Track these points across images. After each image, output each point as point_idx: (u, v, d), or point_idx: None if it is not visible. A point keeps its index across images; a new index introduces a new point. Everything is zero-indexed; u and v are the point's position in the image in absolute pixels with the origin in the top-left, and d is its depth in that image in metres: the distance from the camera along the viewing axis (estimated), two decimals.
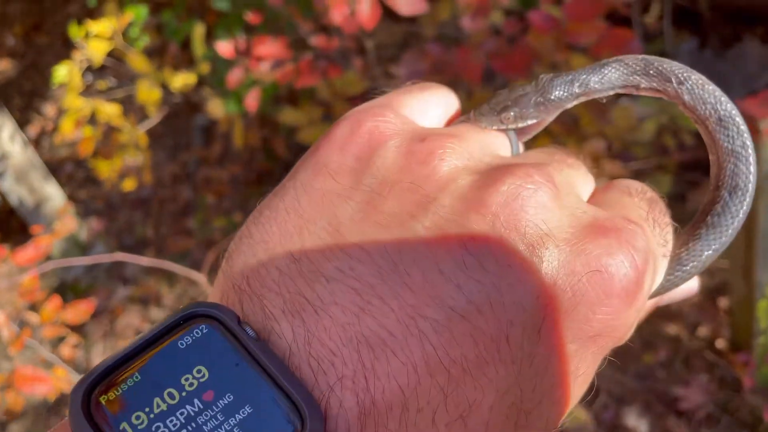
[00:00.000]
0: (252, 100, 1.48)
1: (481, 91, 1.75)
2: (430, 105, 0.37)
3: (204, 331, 0.27)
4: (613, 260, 0.29)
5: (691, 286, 0.37)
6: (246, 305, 0.29)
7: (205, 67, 2.12)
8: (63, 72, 1.92)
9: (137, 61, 2.14)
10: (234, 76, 1.70)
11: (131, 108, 2.64)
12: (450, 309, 0.27)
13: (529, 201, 0.30)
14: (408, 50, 1.23)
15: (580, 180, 0.35)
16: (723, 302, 2.00)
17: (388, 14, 1.60)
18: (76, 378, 1.35)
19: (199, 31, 2.12)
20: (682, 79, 0.35)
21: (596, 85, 0.37)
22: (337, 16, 1.25)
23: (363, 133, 0.33)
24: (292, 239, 0.30)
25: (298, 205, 0.31)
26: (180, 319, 0.28)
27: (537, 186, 0.30)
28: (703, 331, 2.00)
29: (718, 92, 0.35)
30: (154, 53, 3.37)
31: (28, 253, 1.45)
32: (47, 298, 1.50)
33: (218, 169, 3.05)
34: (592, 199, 0.35)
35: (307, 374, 0.27)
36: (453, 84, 1.65)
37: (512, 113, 0.37)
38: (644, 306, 0.32)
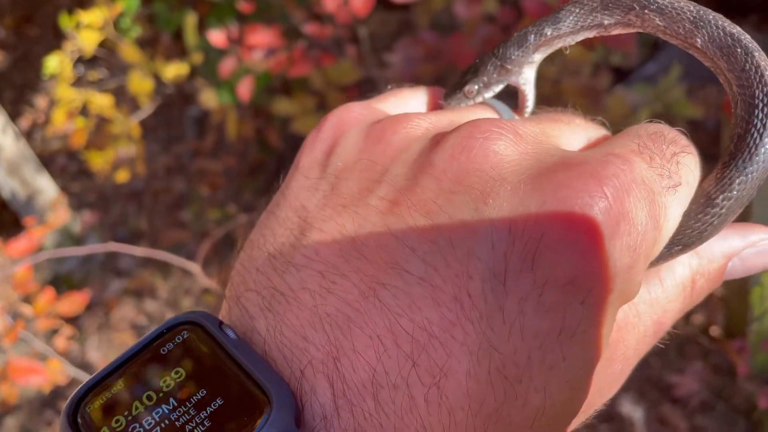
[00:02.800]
0: (245, 89, 1.47)
1: None
2: (409, 99, 0.37)
3: (185, 337, 0.29)
4: (573, 191, 0.26)
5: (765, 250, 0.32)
6: (233, 310, 0.31)
7: (197, 57, 2.10)
8: (54, 63, 1.90)
9: (129, 52, 2.12)
10: (226, 66, 1.69)
11: (123, 99, 2.62)
12: (406, 272, 0.27)
13: (477, 151, 0.28)
14: (402, 38, 1.22)
15: (564, 132, 0.32)
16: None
17: (382, 2, 1.59)
18: (70, 370, 1.35)
19: (191, 20, 2.11)
20: (645, 3, 0.31)
21: (551, 32, 0.35)
22: (330, 3, 1.24)
23: (328, 127, 0.34)
24: (268, 240, 0.32)
25: (276, 208, 0.33)
26: (164, 328, 0.29)
27: (487, 135, 0.28)
28: (697, 318, 2.01)
29: (695, 6, 0.31)
30: (146, 44, 3.35)
31: (21, 244, 1.44)
32: (42, 289, 1.49)
33: (212, 160, 3.03)
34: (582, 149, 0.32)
35: (281, 364, 0.28)
36: (447, 72, 1.64)
37: (476, 86, 0.36)
38: (646, 244, 0.27)
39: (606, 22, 0.33)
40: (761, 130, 0.30)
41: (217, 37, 1.73)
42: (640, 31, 0.33)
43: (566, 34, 0.35)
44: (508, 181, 0.27)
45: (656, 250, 0.29)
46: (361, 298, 0.27)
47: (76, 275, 2.90)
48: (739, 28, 0.31)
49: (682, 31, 0.31)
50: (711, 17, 0.31)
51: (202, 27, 2.69)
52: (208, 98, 2.07)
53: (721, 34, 0.31)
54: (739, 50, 0.30)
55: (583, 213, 0.26)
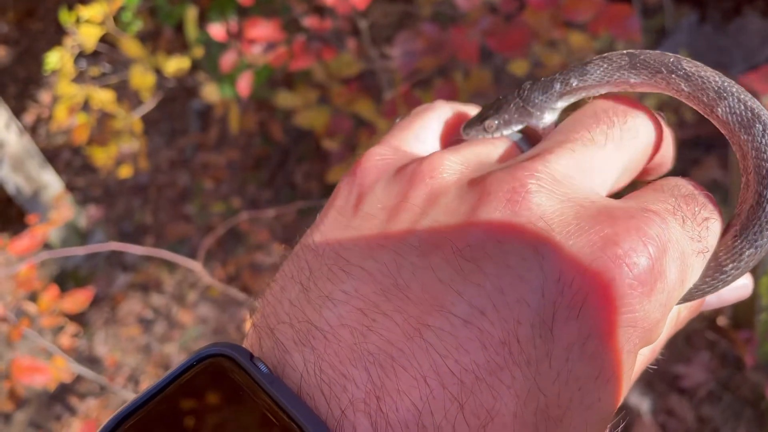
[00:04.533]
0: (244, 85, 1.46)
1: (479, 70, 1.73)
2: (422, 130, 0.38)
3: (215, 370, 0.28)
4: (620, 248, 0.28)
5: (745, 284, 0.35)
6: (263, 341, 0.30)
7: (198, 51, 2.09)
8: (54, 59, 1.89)
9: (130, 46, 2.12)
10: (227, 60, 1.68)
11: (125, 94, 2.62)
12: (452, 315, 0.27)
13: (522, 204, 0.29)
14: (403, 30, 1.21)
15: (598, 162, 0.32)
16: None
17: None
18: (75, 367, 1.35)
19: (191, 14, 2.09)
20: (673, 68, 0.33)
21: (577, 83, 0.35)
22: None
23: (362, 172, 0.35)
24: (303, 272, 0.31)
25: (311, 242, 0.33)
26: (194, 360, 0.28)
27: (529, 188, 0.30)
28: None
29: (719, 76, 0.32)
30: (148, 37, 3.33)
31: (24, 242, 1.44)
32: (46, 287, 1.49)
33: (215, 154, 3.03)
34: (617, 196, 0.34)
35: (320, 401, 0.27)
36: (449, 64, 1.63)
37: (495, 121, 0.36)
38: (672, 301, 0.29)
39: (632, 80, 0.34)
40: (761, 198, 0.32)
41: (217, 30, 1.72)
42: (665, 93, 0.34)
43: (591, 86, 0.35)
44: (556, 231, 0.28)
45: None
46: (404, 338, 0.27)
47: (82, 270, 2.91)
48: (759, 104, 0.32)
49: (705, 100, 0.32)
50: (734, 89, 0.32)
51: (203, 20, 2.68)
52: (210, 92, 2.06)
53: (742, 107, 0.32)
54: (758, 125, 0.32)
55: (630, 271, 0.27)
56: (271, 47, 1.45)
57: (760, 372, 1.73)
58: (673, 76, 0.33)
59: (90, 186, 3.23)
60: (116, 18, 2.71)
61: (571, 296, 0.27)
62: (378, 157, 0.35)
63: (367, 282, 0.29)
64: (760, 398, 1.75)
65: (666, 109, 2.13)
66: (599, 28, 1.12)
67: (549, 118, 0.37)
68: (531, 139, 0.37)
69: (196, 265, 1.07)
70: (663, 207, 0.30)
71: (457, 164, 0.33)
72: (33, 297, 1.54)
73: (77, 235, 3.00)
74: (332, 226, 0.33)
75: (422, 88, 1.51)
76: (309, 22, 1.38)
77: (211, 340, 2.53)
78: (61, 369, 1.31)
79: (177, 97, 3.26)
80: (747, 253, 0.32)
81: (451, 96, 1.28)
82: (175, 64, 2.03)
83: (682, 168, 2.26)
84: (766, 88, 1.37)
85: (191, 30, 2.11)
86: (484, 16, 1.19)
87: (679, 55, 0.33)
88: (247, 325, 0.34)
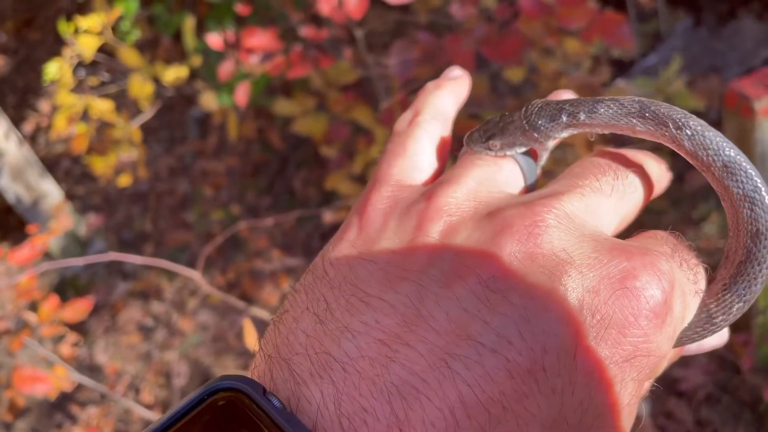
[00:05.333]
0: (242, 95, 1.47)
1: (475, 77, 1.74)
2: (418, 156, 0.38)
3: (226, 404, 0.27)
4: (639, 281, 0.29)
5: (722, 335, 0.36)
6: (276, 374, 0.29)
7: (196, 60, 2.10)
8: (54, 69, 1.91)
9: (129, 56, 2.13)
10: (225, 69, 1.69)
11: (124, 102, 2.63)
12: (479, 344, 0.27)
13: (543, 237, 0.30)
14: (398, 39, 1.22)
15: (604, 209, 0.34)
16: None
17: (380, 1, 1.59)
18: (75, 376, 1.36)
19: (189, 23, 2.11)
20: (680, 124, 0.34)
21: (585, 119, 0.36)
22: (325, 6, 1.24)
23: (369, 214, 0.35)
24: (318, 303, 0.31)
25: (324, 274, 0.33)
26: (204, 394, 0.28)
27: (548, 223, 0.31)
28: None
29: (720, 137, 0.34)
30: (147, 46, 3.35)
31: (24, 252, 1.45)
32: (47, 296, 1.50)
33: (214, 161, 3.04)
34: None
35: None
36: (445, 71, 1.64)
37: (498, 141, 0.37)
38: (675, 336, 0.31)
39: (638, 128, 0.36)
40: (762, 263, 0.34)
41: (215, 40, 1.73)
42: (665, 144, 0.36)
43: (598, 125, 0.36)
44: (577, 263, 0.29)
45: None
46: (429, 368, 0.27)
47: (82, 278, 2.92)
48: (756, 170, 0.34)
49: (704, 158, 0.34)
50: (731, 151, 0.34)
51: (201, 29, 2.69)
52: (209, 100, 2.08)
53: (738, 168, 0.34)
54: (750, 185, 0.34)
55: (647, 302, 0.29)
56: (269, 56, 1.46)
57: (758, 374, 1.73)
58: (677, 132, 0.34)
59: (90, 194, 3.24)
60: (114, 27, 2.72)
61: (594, 326, 0.28)
62: (383, 203, 0.35)
63: (387, 313, 0.29)
64: (758, 400, 1.76)
65: None
66: (593, 35, 1.13)
67: (550, 144, 0.38)
68: (531, 156, 0.39)
69: (195, 274, 1.08)
70: (663, 249, 0.32)
71: (469, 200, 0.34)
72: (33, 306, 1.55)
73: (77, 243, 3.01)
74: (346, 258, 0.33)
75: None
76: (306, 31, 1.39)
77: (211, 348, 2.53)
78: (62, 378, 1.32)
79: (175, 104, 3.28)
80: (736, 307, 0.34)
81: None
82: (173, 73, 2.04)
83: (678, 171, 2.27)
84: (759, 93, 1.38)
85: (189, 39, 2.12)
86: (479, 24, 1.20)
87: (687, 112, 0.35)
88: (256, 360, 0.33)
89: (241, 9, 1.74)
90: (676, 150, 0.35)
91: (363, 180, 2.06)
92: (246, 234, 2.54)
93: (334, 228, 2.63)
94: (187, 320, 2.54)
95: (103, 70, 2.81)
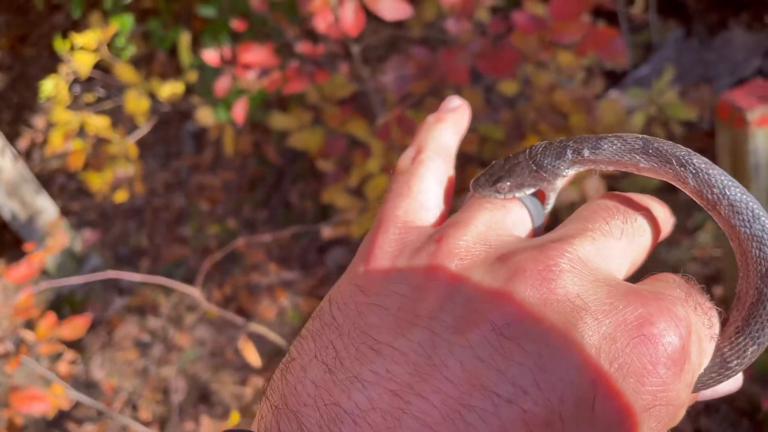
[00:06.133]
0: (239, 111, 1.47)
1: (469, 90, 1.75)
2: (423, 195, 0.38)
3: None
4: (656, 328, 0.29)
5: (737, 380, 0.36)
6: (283, 426, 0.29)
7: (192, 76, 2.11)
8: (49, 86, 1.91)
9: (124, 72, 2.13)
10: (221, 85, 1.70)
11: (120, 118, 2.63)
12: (495, 395, 0.26)
13: (557, 282, 0.30)
14: (393, 55, 1.23)
15: (615, 252, 0.34)
16: (718, 291, 2.01)
17: (374, 15, 1.60)
18: (73, 394, 1.35)
19: (185, 39, 2.12)
20: (683, 161, 0.34)
21: (589, 155, 0.36)
22: (321, 23, 1.25)
23: (376, 259, 0.34)
24: (326, 351, 0.30)
25: (332, 320, 0.32)
26: None
27: (562, 268, 0.30)
28: None
29: (725, 176, 0.34)
30: (142, 61, 3.36)
31: (21, 270, 1.44)
32: (44, 314, 1.50)
33: (211, 175, 3.04)
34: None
35: None
36: (441, 84, 1.65)
37: (507, 183, 0.37)
38: (692, 383, 0.31)
39: (642, 165, 0.35)
40: (764, 298, 0.33)
41: (210, 56, 1.74)
42: (670, 182, 0.36)
43: (602, 161, 0.36)
44: (591, 310, 0.29)
45: None
46: (443, 420, 0.26)
47: (78, 294, 2.91)
48: (759, 204, 0.34)
49: (709, 196, 0.34)
50: (737, 191, 0.34)
51: (196, 44, 2.70)
52: (205, 115, 2.08)
53: (745, 207, 0.33)
54: (757, 225, 0.33)
55: (665, 350, 0.28)
56: (265, 72, 1.47)
57: (756, 383, 1.74)
58: (681, 169, 0.34)
59: (85, 210, 3.23)
60: (110, 43, 2.73)
61: (612, 374, 0.28)
62: (391, 245, 0.35)
63: (399, 362, 0.28)
64: (756, 409, 1.76)
65: (655, 123, 2.16)
66: (586, 49, 1.14)
67: (559, 183, 0.38)
68: (539, 199, 0.38)
69: (194, 291, 1.08)
70: (677, 294, 0.31)
71: (479, 243, 0.33)
72: (30, 324, 1.54)
73: (73, 259, 3.00)
74: (354, 303, 0.32)
75: (415, 108, 1.54)
76: (302, 48, 1.40)
77: (209, 363, 2.52)
78: (60, 396, 1.31)
79: (171, 119, 3.28)
80: (750, 350, 0.33)
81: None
82: (169, 89, 2.05)
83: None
84: (751, 104, 1.40)
85: (185, 55, 2.13)
86: (474, 39, 1.21)
87: (690, 150, 0.35)
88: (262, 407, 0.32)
89: (237, 25, 1.75)
90: (680, 187, 0.35)
91: (359, 193, 2.06)
92: (243, 248, 2.54)
93: (331, 242, 2.63)
94: (184, 335, 2.53)
95: (98, 86, 2.82)
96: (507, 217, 0.36)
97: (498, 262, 0.31)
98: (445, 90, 1.40)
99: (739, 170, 1.48)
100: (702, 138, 2.35)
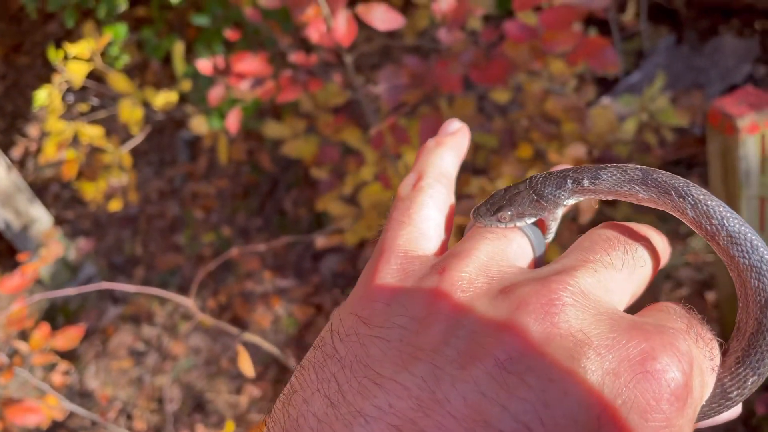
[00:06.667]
0: (233, 121, 1.48)
1: (462, 98, 1.76)
2: (424, 223, 0.38)
3: None
4: (659, 364, 0.29)
5: (736, 409, 0.36)
6: None
7: (186, 85, 2.11)
8: (43, 95, 1.91)
9: (118, 81, 2.13)
10: (215, 94, 1.70)
11: (114, 127, 2.63)
12: (498, 431, 0.26)
13: (560, 317, 0.30)
14: (387, 63, 1.24)
15: (616, 283, 0.34)
16: (711, 296, 2.02)
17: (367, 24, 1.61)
18: (67, 405, 1.35)
19: (178, 48, 2.12)
20: (682, 192, 0.35)
21: (588, 185, 0.37)
22: (314, 33, 1.25)
23: (376, 291, 0.34)
24: (329, 384, 0.30)
25: (334, 351, 0.32)
26: None
27: (564, 302, 0.30)
28: None
29: (723, 207, 0.34)
30: (136, 70, 3.36)
31: (14, 281, 1.44)
32: (37, 324, 1.49)
33: (205, 183, 3.04)
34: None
35: None
36: (434, 92, 1.66)
37: (509, 212, 0.37)
38: (695, 417, 0.31)
39: (641, 195, 0.36)
40: (763, 328, 0.33)
41: (204, 65, 1.75)
42: (668, 212, 0.36)
43: (601, 191, 0.37)
44: (594, 345, 0.29)
45: None
46: None
47: (73, 303, 2.90)
48: (758, 236, 0.34)
49: (708, 227, 0.34)
50: (736, 221, 0.34)
51: (190, 52, 2.71)
52: (199, 124, 2.08)
53: (743, 238, 0.34)
54: (756, 256, 0.34)
55: (668, 386, 0.28)
56: (259, 82, 1.48)
57: None
58: (680, 200, 0.35)
59: (79, 219, 3.23)
60: (103, 53, 2.73)
61: (616, 410, 0.28)
62: (393, 276, 0.34)
63: (402, 396, 0.28)
64: (750, 414, 1.77)
65: (646, 130, 2.17)
66: (577, 59, 1.15)
67: (559, 212, 0.39)
68: (539, 228, 0.39)
69: (187, 301, 1.08)
70: (678, 326, 0.31)
71: (482, 275, 0.33)
72: (24, 335, 1.54)
73: (67, 268, 2.99)
74: (357, 335, 0.31)
75: (408, 116, 1.54)
76: (295, 57, 1.40)
77: (204, 371, 2.51)
78: (54, 408, 1.31)
79: (165, 127, 3.28)
80: (751, 380, 0.34)
81: (437, 124, 1.30)
82: (163, 98, 2.05)
83: None
84: (741, 111, 1.41)
85: (179, 64, 2.14)
86: (466, 48, 1.22)
87: (688, 181, 0.35)
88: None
89: (230, 34, 1.76)
90: (679, 217, 0.35)
91: (353, 201, 2.07)
92: (237, 257, 2.54)
93: (326, 249, 2.63)
94: (179, 344, 2.52)
95: (92, 95, 2.82)
96: (509, 247, 0.36)
97: (501, 294, 0.31)
98: (438, 99, 1.41)
99: (730, 176, 1.49)
100: (693, 144, 2.37)
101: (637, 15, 2.68)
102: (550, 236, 0.40)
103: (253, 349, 2.55)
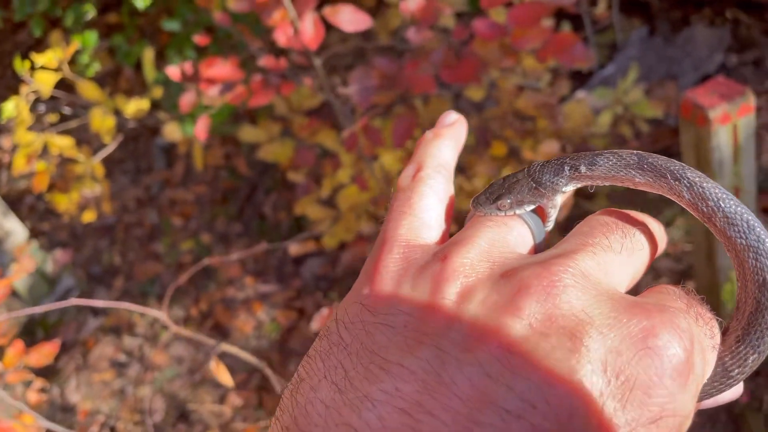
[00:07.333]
0: (201, 129, 1.46)
1: (437, 97, 1.75)
2: (426, 213, 0.38)
3: None
4: (660, 340, 0.29)
5: (737, 388, 0.36)
6: None
7: (157, 92, 2.08)
8: (10, 107, 1.87)
9: (88, 89, 2.10)
10: (186, 100, 1.68)
11: (86, 137, 2.59)
12: (504, 410, 0.27)
13: (562, 297, 0.30)
14: (358, 65, 1.22)
15: (616, 266, 0.34)
16: (689, 286, 2.03)
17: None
18: (44, 423, 1.32)
19: (148, 55, 2.09)
20: (678, 176, 0.35)
21: (585, 171, 0.37)
22: (281, 36, 1.24)
23: (379, 282, 0.34)
24: (335, 371, 0.31)
25: (340, 340, 0.32)
26: None
27: (566, 283, 0.31)
28: None
29: (718, 189, 0.35)
30: (109, 77, 3.31)
31: None
32: (14, 338, 1.46)
33: (182, 190, 3.01)
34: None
35: None
36: (406, 94, 1.65)
37: (508, 200, 0.38)
38: (697, 393, 0.31)
39: (637, 180, 0.37)
40: (762, 307, 0.34)
41: (174, 72, 1.72)
42: (665, 195, 0.37)
43: (598, 177, 0.38)
44: (596, 324, 0.29)
45: None
46: None
47: (51, 316, 2.85)
48: (758, 220, 0.34)
49: (704, 209, 0.35)
50: (732, 202, 0.35)
51: (162, 58, 2.67)
52: (172, 131, 2.06)
53: (739, 218, 0.35)
54: (753, 235, 0.34)
55: (670, 361, 0.29)
56: (229, 87, 1.46)
57: None
58: (676, 183, 0.35)
59: (55, 230, 3.18)
60: (73, 61, 2.69)
61: (618, 387, 0.28)
62: (395, 264, 0.35)
63: (408, 380, 0.28)
64: (734, 403, 1.78)
65: (621, 122, 2.18)
66: (547, 56, 1.15)
67: (558, 199, 0.39)
68: (539, 216, 0.39)
69: (160, 314, 1.06)
70: (679, 305, 0.32)
71: (483, 261, 0.34)
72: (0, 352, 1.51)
73: (45, 281, 2.94)
74: (362, 323, 0.32)
75: (383, 116, 1.53)
76: (265, 61, 1.39)
77: (187, 380, 2.49)
78: (30, 427, 1.28)
79: (141, 135, 3.24)
80: (751, 359, 0.34)
81: (412, 125, 1.29)
82: (134, 106, 2.02)
83: None
84: (713, 102, 1.42)
85: (149, 71, 2.11)
86: (436, 48, 1.21)
87: (683, 164, 0.36)
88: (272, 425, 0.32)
89: (199, 39, 1.73)
90: (676, 200, 0.36)
91: (331, 203, 2.05)
92: (217, 263, 2.51)
93: (307, 253, 2.61)
94: (160, 354, 2.49)
95: (64, 104, 2.77)
96: (509, 234, 0.37)
97: (502, 279, 0.32)
98: (412, 98, 1.40)
99: (704, 167, 1.50)
100: (668, 135, 2.38)
101: (609, 7, 2.69)
102: (550, 224, 0.40)
103: (235, 357, 2.53)
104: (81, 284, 2.91)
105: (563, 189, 0.38)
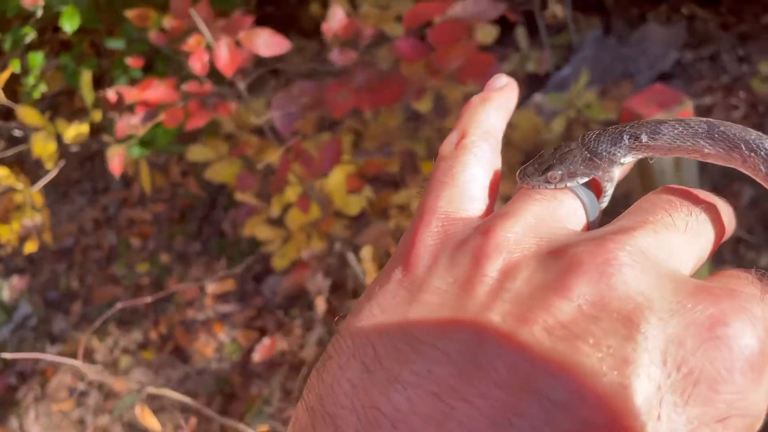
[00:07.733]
0: (116, 164, 1.41)
1: (387, 113, 1.71)
2: (469, 184, 0.35)
3: None
4: (731, 329, 0.25)
5: None
6: (318, 427, 0.27)
7: (97, 115, 2.03)
8: None
9: (27, 114, 2.04)
10: (122, 125, 1.63)
11: (29, 163, 2.53)
12: (547, 400, 0.24)
13: (617, 278, 0.27)
14: (277, 93, 1.19)
15: (679, 246, 0.31)
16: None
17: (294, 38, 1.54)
18: None
19: (86, 77, 2.03)
20: (753, 146, 0.31)
21: (647, 140, 0.33)
22: (196, 64, 1.20)
23: (416, 256, 0.31)
24: (365, 350, 0.28)
25: (371, 315, 0.30)
26: None
27: (623, 262, 0.27)
28: None
29: None
30: (62, 96, 3.24)
31: None
32: None
33: (140, 209, 2.95)
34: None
35: None
36: (326, 121, 1.61)
37: (559, 172, 0.34)
38: None
39: (707, 150, 0.33)
40: None
41: (111, 95, 1.67)
42: (738, 168, 0.33)
43: (661, 147, 0.34)
44: (655, 309, 0.26)
45: None
46: (489, 428, 0.24)
47: (10, 345, 2.78)
48: None
49: None
50: None
51: (108, 80, 2.61)
52: (114, 155, 2.00)
53: None
54: None
55: (742, 353, 0.25)
56: (152, 114, 1.41)
57: None
58: (752, 155, 0.31)
59: (11, 255, 3.10)
60: (19, 82, 2.62)
61: (679, 381, 0.25)
62: (433, 238, 0.32)
63: (442, 363, 0.26)
64: None
65: (575, 126, 2.15)
66: (466, 78, 1.11)
67: (615, 171, 0.35)
68: (593, 190, 0.35)
69: (77, 363, 1.02)
70: (751, 291, 0.28)
71: (530, 236, 0.30)
72: None
73: (2, 309, 2.87)
74: (394, 300, 0.30)
75: (315, 138, 1.49)
76: (188, 87, 1.34)
77: (149, 406, 2.43)
78: None
79: (96, 154, 3.17)
80: None
81: (338, 150, 1.25)
82: (74, 130, 1.96)
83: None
84: (651, 111, 1.39)
85: (87, 93, 2.05)
86: (359, 70, 1.17)
87: (761, 133, 0.32)
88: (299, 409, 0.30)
89: (133, 62, 1.68)
90: (750, 174, 0.32)
91: (281, 223, 2.01)
92: (175, 285, 2.46)
93: (268, 270, 2.56)
94: (120, 380, 2.43)
95: (7, 130, 2.70)
96: (559, 208, 0.33)
97: (551, 256, 0.29)
98: (342, 123, 1.36)
99: (646, 175, 1.47)
100: None
101: (562, 7, 2.67)
102: (606, 199, 0.36)
103: (198, 379, 2.48)
104: (38, 311, 2.85)
105: (621, 160, 0.34)
